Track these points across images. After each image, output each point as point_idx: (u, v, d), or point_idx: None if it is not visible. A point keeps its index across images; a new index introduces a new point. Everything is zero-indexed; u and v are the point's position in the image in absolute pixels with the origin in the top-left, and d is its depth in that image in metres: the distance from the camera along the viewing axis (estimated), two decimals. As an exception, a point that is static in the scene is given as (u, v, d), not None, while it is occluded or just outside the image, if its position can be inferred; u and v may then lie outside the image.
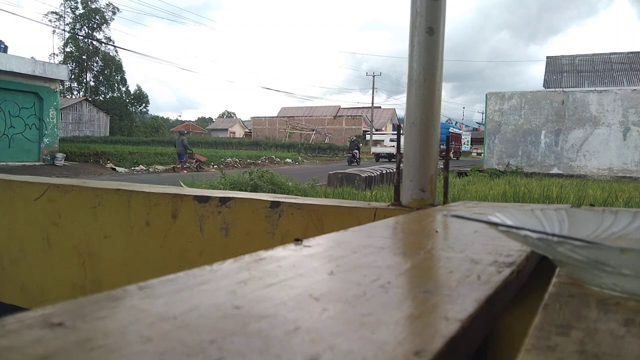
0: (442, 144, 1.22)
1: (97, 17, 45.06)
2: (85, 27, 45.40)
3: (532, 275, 0.61)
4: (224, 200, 1.32)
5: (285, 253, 0.53)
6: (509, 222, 0.53)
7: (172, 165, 19.04)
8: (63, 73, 17.52)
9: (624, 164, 13.37)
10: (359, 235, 0.67)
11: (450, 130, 38.15)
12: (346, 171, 9.70)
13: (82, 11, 44.65)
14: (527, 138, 14.45)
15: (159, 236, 1.39)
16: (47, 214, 1.59)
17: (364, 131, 47.43)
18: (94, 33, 45.57)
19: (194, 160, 19.01)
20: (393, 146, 27.14)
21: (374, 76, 49.76)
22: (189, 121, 72.71)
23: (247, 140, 43.02)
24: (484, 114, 16.79)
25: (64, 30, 44.60)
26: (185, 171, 17.30)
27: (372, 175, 9.46)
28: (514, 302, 0.57)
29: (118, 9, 45.72)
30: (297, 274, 0.45)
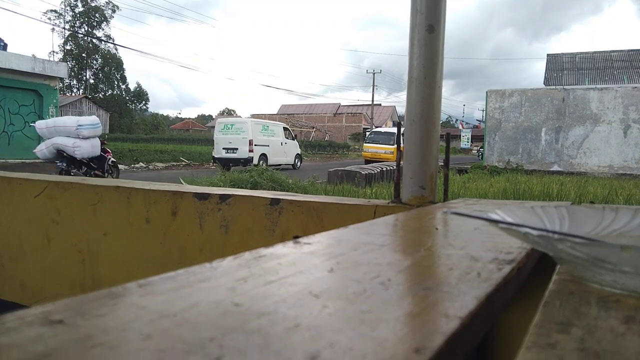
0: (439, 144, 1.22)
1: (97, 15, 45.01)
2: (85, 25, 45.36)
3: (533, 273, 0.61)
4: (223, 197, 1.32)
5: (285, 250, 0.53)
6: (509, 220, 0.53)
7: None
8: (63, 70, 17.50)
9: (625, 161, 13.38)
10: (359, 233, 0.67)
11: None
12: (346, 168, 9.70)
13: (81, 9, 44.60)
14: (528, 135, 14.45)
15: (159, 233, 1.39)
16: (46, 212, 1.59)
17: (364, 128, 47.38)
18: (94, 31, 45.54)
19: None
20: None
21: (374, 73, 49.69)
22: (189, 119, 72.46)
23: (247, 137, 42.79)
24: (484, 112, 16.78)
25: (63, 28, 44.58)
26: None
27: (372, 172, 9.47)
28: (514, 299, 0.56)
29: (118, 7, 45.72)
30: (297, 271, 0.45)
